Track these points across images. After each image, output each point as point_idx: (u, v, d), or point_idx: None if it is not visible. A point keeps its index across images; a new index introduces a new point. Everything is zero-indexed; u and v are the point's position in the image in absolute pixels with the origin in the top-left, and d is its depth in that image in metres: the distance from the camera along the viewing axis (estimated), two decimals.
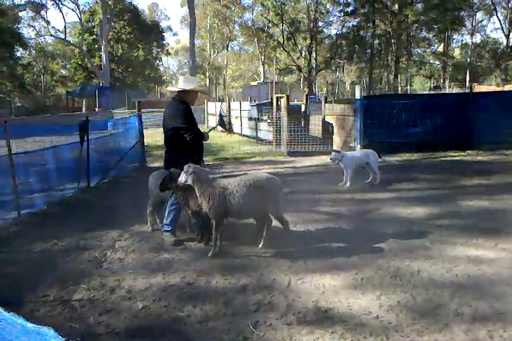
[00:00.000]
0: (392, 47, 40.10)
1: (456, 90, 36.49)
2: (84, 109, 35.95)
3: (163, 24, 58.06)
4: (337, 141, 11.98)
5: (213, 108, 20.97)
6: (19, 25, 43.13)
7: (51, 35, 46.16)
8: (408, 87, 48.65)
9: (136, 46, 47.78)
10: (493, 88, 30.97)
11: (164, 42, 53.16)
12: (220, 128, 5.12)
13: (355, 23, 40.62)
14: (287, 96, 12.31)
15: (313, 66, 40.80)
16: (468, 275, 3.91)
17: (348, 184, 7.66)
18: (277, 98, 13.00)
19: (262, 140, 14.33)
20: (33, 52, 50.33)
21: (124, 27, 45.60)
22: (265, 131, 14.49)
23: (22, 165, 6.43)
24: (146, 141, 11.53)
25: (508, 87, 26.60)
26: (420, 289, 3.66)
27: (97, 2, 39.72)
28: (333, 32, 47.02)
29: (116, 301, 3.63)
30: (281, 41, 40.94)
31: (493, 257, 4.28)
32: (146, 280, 4.01)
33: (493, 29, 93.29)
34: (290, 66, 43.73)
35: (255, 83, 39.15)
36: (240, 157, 11.81)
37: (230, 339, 3.03)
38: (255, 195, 4.44)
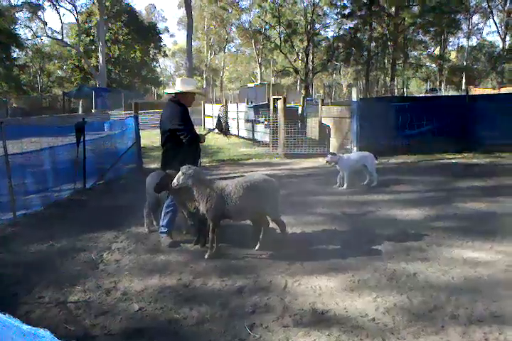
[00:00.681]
0: (388, 50, 40.16)
1: (452, 93, 36.70)
2: (80, 110, 35.81)
3: (161, 25, 58.29)
4: (334, 143, 12.01)
5: (210, 110, 20.95)
6: (16, 26, 43.08)
7: (48, 36, 45.93)
8: (405, 90, 48.88)
9: (133, 47, 47.70)
10: (489, 91, 31.12)
11: (161, 43, 53.08)
12: (217, 130, 5.12)
13: (352, 26, 40.68)
14: (284, 98, 12.29)
15: (310, 68, 40.79)
16: (464, 277, 3.92)
17: (345, 186, 7.68)
18: (274, 100, 12.99)
19: (259, 142, 14.34)
20: (30, 53, 50.12)
21: (121, 28, 45.55)
22: (262, 133, 14.49)
23: (18, 166, 6.40)
24: (143, 142, 11.50)
25: (503, 90, 26.71)
26: (416, 291, 3.66)
27: (94, 3, 39.60)
28: (330, 34, 47.37)
29: (112, 303, 3.62)
30: (278, 43, 40.96)
31: (489, 259, 4.30)
32: (143, 282, 4.00)
33: (489, 32, 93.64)
34: (287, 68, 43.68)
35: (252, 85, 39.06)
36: (236, 159, 11.81)
37: None
38: (253, 196, 4.43)
